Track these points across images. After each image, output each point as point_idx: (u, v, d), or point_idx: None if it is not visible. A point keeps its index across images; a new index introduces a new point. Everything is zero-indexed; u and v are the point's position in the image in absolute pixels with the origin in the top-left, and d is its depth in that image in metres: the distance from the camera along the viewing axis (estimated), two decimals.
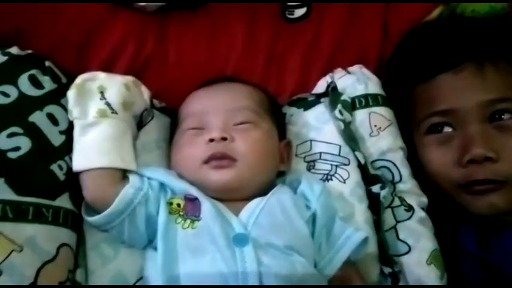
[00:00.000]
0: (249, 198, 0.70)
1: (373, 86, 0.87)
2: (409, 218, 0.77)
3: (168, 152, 0.77)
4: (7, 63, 0.68)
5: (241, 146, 0.70)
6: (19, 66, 0.68)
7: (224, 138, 0.70)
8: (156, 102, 0.82)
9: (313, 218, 0.70)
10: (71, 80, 0.72)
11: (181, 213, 0.66)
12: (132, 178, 0.68)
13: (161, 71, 0.86)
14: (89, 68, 0.79)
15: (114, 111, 0.69)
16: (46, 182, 0.63)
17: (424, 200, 0.80)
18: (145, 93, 0.77)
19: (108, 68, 0.81)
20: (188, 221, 0.65)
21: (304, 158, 0.81)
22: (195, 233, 0.64)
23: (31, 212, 0.60)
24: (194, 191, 0.68)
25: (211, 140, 0.70)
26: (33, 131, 0.64)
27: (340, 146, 0.81)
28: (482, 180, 0.76)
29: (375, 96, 0.86)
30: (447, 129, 0.82)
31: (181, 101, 0.81)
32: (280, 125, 0.81)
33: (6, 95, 0.65)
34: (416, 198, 0.80)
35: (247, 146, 0.70)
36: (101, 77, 0.72)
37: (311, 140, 0.82)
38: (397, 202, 0.79)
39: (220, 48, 0.89)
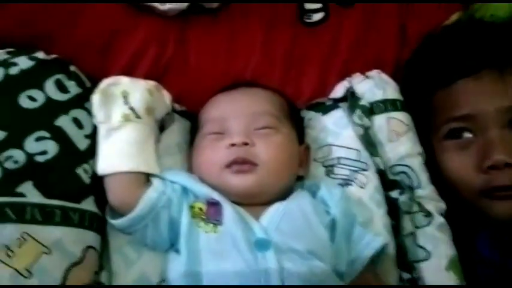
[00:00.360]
0: (268, 203, 0.70)
1: (392, 91, 0.87)
2: (427, 224, 0.77)
3: (189, 155, 0.78)
4: (34, 67, 0.68)
5: (262, 151, 0.71)
6: (45, 71, 0.69)
7: (245, 143, 0.70)
8: (176, 105, 0.83)
9: (333, 223, 0.70)
10: (94, 84, 0.73)
11: (203, 217, 0.67)
12: (156, 182, 0.69)
13: (181, 74, 0.87)
14: (110, 72, 0.79)
15: (138, 116, 0.70)
16: (72, 185, 0.64)
17: (442, 205, 0.80)
18: (167, 97, 0.78)
19: (129, 71, 0.82)
20: (210, 225, 0.66)
21: (323, 162, 0.82)
22: (217, 237, 0.64)
23: (58, 215, 0.61)
24: (216, 196, 0.68)
25: (233, 145, 0.70)
26: (59, 135, 0.65)
27: (359, 151, 0.81)
28: (502, 186, 0.76)
29: (393, 102, 0.86)
30: (467, 135, 0.82)
31: (200, 105, 0.81)
32: (299, 129, 0.81)
33: (33, 99, 0.66)
34: (434, 204, 0.79)
35: (268, 151, 0.71)
36: (124, 82, 0.72)
37: (329, 145, 0.83)
38: (415, 208, 0.79)
39: (239, 52, 0.90)
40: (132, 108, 0.70)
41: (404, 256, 0.75)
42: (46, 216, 0.60)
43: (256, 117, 0.74)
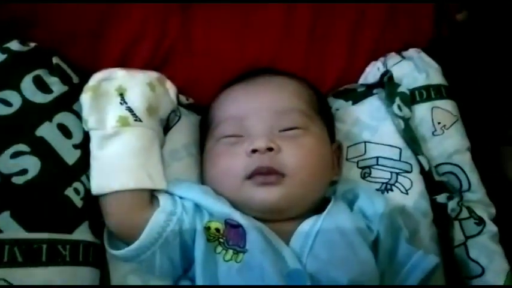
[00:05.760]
0: (298, 217, 0.60)
1: (435, 75, 0.76)
2: (479, 233, 0.68)
3: (200, 158, 0.67)
4: (6, 62, 0.57)
5: (290, 158, 0.60)
6: (21, 66, 0.58)
7: (270, 149, 0.59)
8: (182, 98, 0.72)
9: (375, 240, 0.61)
10: (83, 78, 0.62)
11: (221, 240, 0.57)
12: (163, 200, 0.59)
13: (187, 60, 0.76)
14: (102, 60, 0.70)
15: (137, 119, 0.59)
16: (61, 212, 0.54)
17: (493, 211, 0.71)
18: (172, 91, 0.67)
19: (125, 59, 0.72)
20: (230, 252, 0.56)
21: (357, 163, 0.71)
22: (240, 268, 0.54)
23: (44, 252, 0.50)
24: (237, 216, 0.58)
25: (255, 151, 0.59)
26: (42, 148, 0.55)
27: (400, 150, 0.71)
28: None
29: (437, 88, 0.75)
30: None
31: (211, 95, 0.71)
32: (330, 125, 0.70)
33: (7, 103, 0.55)
34: (485, 209, 0.70)
35: (297, 157, 0.60)
36: (120, 76, 0.62)
37: (365, 142, 0.72)
38: (465, 214, 0.69)
39: (254, 30, 0.78)
40: (130, 109, 0.60)
41: (455, 271, 0.66)
42: (29, 255, 0.50)
43: (281, 116, 0.62)
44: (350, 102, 0.76)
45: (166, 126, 0.67)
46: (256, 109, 0.62)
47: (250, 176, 0.59)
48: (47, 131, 0.55)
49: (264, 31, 0.78)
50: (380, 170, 0.70)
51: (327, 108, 0.72)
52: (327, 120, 0.68)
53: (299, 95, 0.65)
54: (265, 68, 0.72)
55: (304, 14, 0.79)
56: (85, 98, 0.58)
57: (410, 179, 0.69)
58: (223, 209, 0.58)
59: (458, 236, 0.68)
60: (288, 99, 0.64)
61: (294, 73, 0.72)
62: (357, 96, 0.76)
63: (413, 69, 0.76)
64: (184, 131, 0.69)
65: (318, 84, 0.76)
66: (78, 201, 0.55)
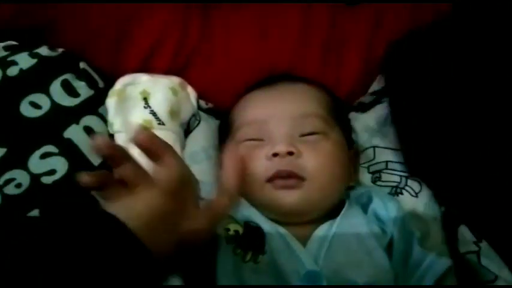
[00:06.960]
0: (315, 221, 0.61)
1: None
2: None
3: (218, 161, 0.68)
4: (36, 67, 0.59)
5: (310, 163, 0.61)
6: (50, 71, 0.60)
7: (290, 153, 0.60)
8: (202, 103, 0.74)
9: (390, 243, 0.61)
10: (108, 83, 0.63)
11: (240, 241, 0.58)
12: None
13: (207, 65, 0.77)
14: (126, 65, 0.72)
15: (160, 122, 0.61)
16: (87, 211, 0.54)
17: None
18: (192, 95, 0.69)
19: (147, 63, 0.73)
20: (249, 254, 0.57)
21: (368, 168, 0.72)
22: (258, 268, 0.55)
23: None
24: (257, 218, 0.59)
25: (275, 155, 0.60)
26: (69, 150, 0.56)
27: None
28: None
29: None
30: None
31: (230, 99, 0.72)
32: (347, 131, 0.71)
33: (37, 106, 0.57)
34: None
35: (317, 162, 0.61)
36: (144, 81, 0.63)
37: (374, 147, 0.73)
38: None
39: (273, 37, 0.79)
40: (154, 113, 0.62)
41: (466, 274, 0.66)
42: None
43: (301, 121, 0.63)
44: (360, 112, 0.77)
45: (187, 130, 0.69)
46: (277, 114, 0.63)
47: (270, 179, 0.60)
48: (74, 133, 0.57)
49: (282, 35, 0.79)
50: (390, 173, 0.70)
51: (345, 114, 0.73)
52: (345, 126, 0.70)
53: (318, 101, 0.66)
54: (284, 74, 0.73)
55: (321, 18, 0.80)
56: (110, 102, 0.60)
57: (419, 182, 0.69)
58: (242, 211, 0.59)
59: (470, 245, 0.66)
60: (307, 105, 0.65)
61: (312, 79, 0.73)
62: (366, 106, 0.77)
63: None
64: (203, 134, 0.71)
65: (334, 89, 0.76)
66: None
